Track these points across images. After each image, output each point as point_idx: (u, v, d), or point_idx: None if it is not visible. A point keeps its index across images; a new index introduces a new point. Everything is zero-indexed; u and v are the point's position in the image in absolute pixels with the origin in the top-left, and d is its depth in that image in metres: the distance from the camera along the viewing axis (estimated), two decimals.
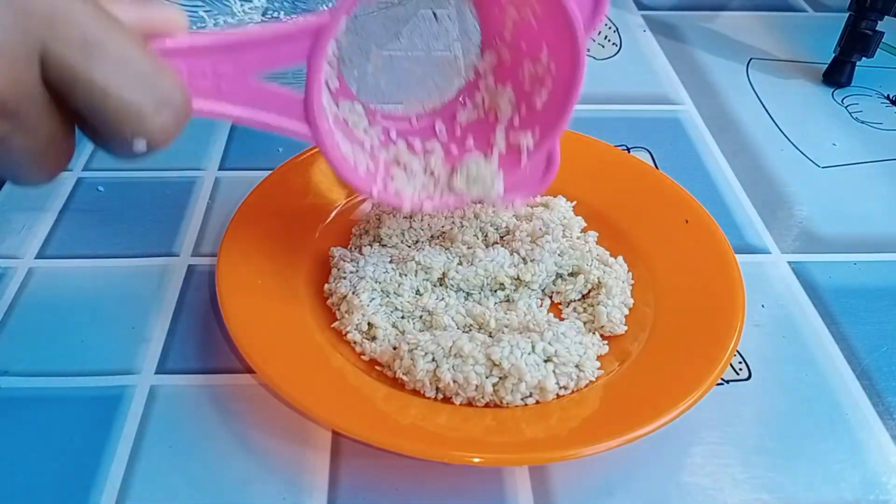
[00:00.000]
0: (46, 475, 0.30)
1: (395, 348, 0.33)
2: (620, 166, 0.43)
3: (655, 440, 0.30)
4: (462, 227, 0.39)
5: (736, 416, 0.33)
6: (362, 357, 0.33)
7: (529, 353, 0.31)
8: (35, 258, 0.39)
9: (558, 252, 0.37)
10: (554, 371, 0.31)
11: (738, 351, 0.35)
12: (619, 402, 0.31)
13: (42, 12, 0.22)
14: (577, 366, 0.32)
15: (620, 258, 0.38)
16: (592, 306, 0.36)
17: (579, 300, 0.37)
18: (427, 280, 0.36)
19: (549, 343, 0.32)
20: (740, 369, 0.35)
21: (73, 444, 0.31)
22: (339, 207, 0.41)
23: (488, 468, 0.31)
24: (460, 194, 0.34)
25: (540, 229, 0.38)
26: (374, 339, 0.34)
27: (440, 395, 0.31)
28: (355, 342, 0.34)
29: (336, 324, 0.35)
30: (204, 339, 0.35)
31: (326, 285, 0.36)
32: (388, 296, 0.35)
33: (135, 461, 0.30)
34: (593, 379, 0.32)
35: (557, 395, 0.31)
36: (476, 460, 0.28)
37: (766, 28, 0.64)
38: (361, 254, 0.37)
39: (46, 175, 0.25)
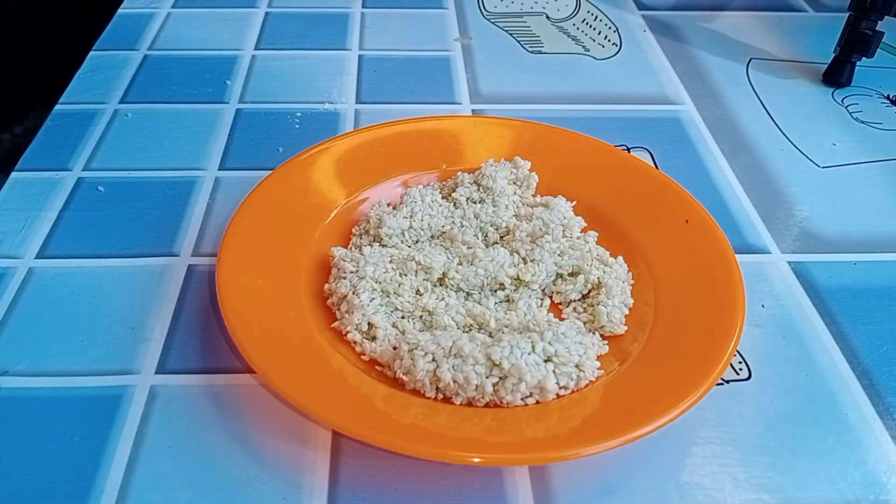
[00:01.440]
0: (46, 475, 0.30)
1: (395, 348, 0.33)
2: (620, 166, 0.43)
3: (655, 440, 0.30)
4: (462, 227, 0.39)
5: (736, 416, 0.33)
6: (362, 357, 0.33)
7: (529, 353, 0.31)
8: (35, 258, 0.39)
9: (558, 252, 0.37)
10: (554, 371, 0.31)
11: (738, 351, 0.35)
12: (619, 402, 0.31)
13: None
14: (577, 366, 0.32)
15: (620, 258, 0.38)
16: (592, 306, 0.36)
17: (579, 300, 0.37)
18: (427, 280, 0.36)
19: (549, 343, 0.32)
20: (740, 369, 0.35)
21: (73, 444, 0.31)
22: (339, 207, 0.41)
23: (488, 468, 0.31)
24: None
25: (540, 229, 0.38)
26: (374, 339, 0.34)
27: (440, 395, 0.31)
28: (355, 342, 0.34)
29: (336, 324, 0.35)
30: (204, 339, 0.35)
31: (326, 285, 0.36)
32: (388, 296, 0.35)
33: (135, 461, 0.30)
34: (593, 379, 0.32)
35: (557, 395, 0.31)
36: (476, 460, 0.28)
37: (766, 28, 0.64)
38: (361, 254, 0.37)
39: None
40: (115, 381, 0.33)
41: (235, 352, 0.34)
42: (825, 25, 0.63)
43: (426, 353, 0.31)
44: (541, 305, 0.37)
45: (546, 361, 0.31)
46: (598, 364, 0.33)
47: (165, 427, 0.32)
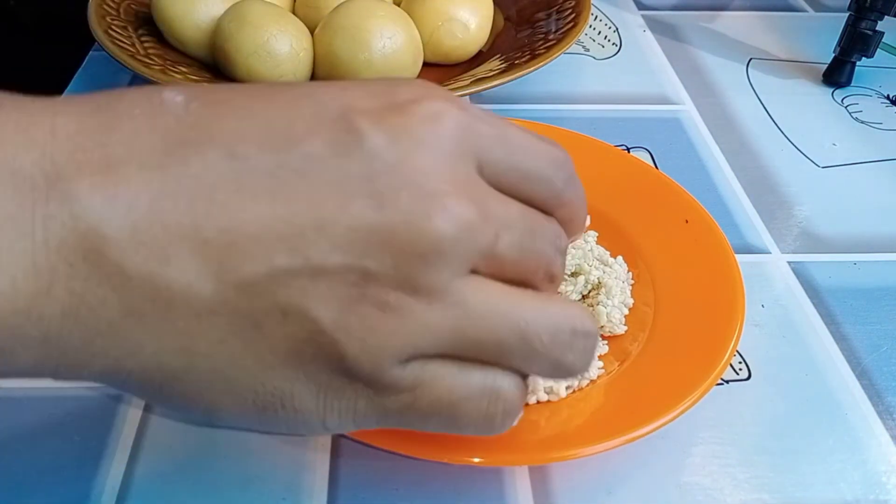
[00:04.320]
0: (46, 475, 0.30)
1: None
2: (620, 166, 0.43)
3: (655, 440, 0.30)
4: None
5: (736, 416, 0.33)
6: None
7: None
8: None
9: None
10: None
11: (738, 351, 0.35)
12: (619, 401, 0.31)
13: None
14: None
15: (620, 258, 0.38)
16: (592, 306, 0.36)
17: (579, 300, 0.37)
18: None
19: None
20: (740, 369, 0.35)
21: (73, 444, 0.31)
22: None
23: (488, 468, 0.31)
24: None
25: None
26: None
27: None
28: None
29: None
30: None
31: None
32: None
33: (135, 461, 0.30)
34: (594, 378, 0.32)
35: None
36: (476, 460, 0.28)
37: (766, 28, 0.64)
38: None
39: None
40: None
41: None
42: (825, 25, 0.63)
43: None
44: None
45: None
46: (600, 364, 0.33)
47: (165, 427, 0.31)
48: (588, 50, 0.60)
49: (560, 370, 0.23)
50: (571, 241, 0.26)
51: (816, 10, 0.67)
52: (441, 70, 0.53)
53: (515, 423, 0.23)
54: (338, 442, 0.31)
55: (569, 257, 0.37)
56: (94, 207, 0.18)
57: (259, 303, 0.19)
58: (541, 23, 0.55)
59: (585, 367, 0.23)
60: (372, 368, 0.20)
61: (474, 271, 0.21)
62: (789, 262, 0.41)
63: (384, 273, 0.19)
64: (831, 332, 0.37)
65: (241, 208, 0.19)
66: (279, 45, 0.45)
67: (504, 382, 0.22)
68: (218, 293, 0.19)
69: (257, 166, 0.19)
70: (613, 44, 0.61)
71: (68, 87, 0.53)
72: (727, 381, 0.34)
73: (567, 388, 0.31)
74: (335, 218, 0.19)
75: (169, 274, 0.18)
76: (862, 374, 0.35)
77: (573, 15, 0.54)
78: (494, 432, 0.23)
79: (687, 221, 0.39)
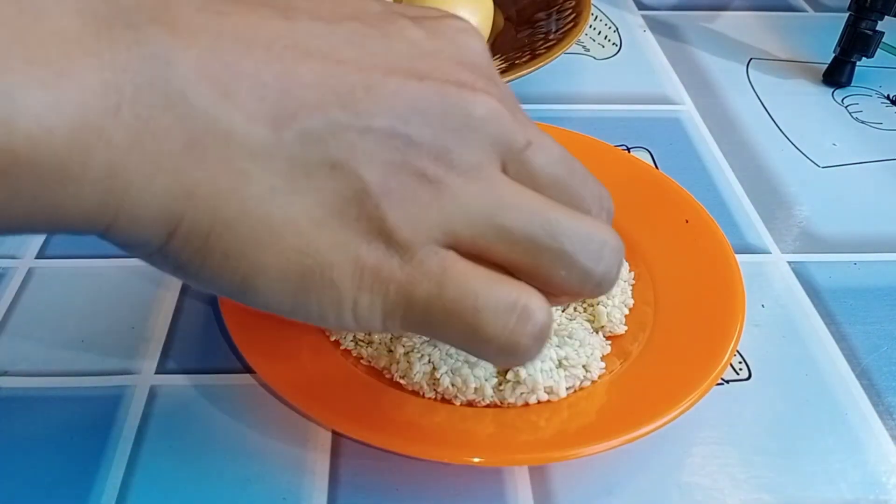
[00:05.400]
0: (46, 475, 0.30)
1: (390, 351, 0.33)
2: (620, 166, 0.43)
3: (655, 440, 0.30)
4: None
5: (736, 416, 0.33)
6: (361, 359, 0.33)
7: (543, 361, 0.31)
8: (35, 258, 0.39)
9: None
10: (564, 374, 0.31)
11: (738, 351, 0.35)
12: (619, 401, 0.31)
13: None
14: (584, 367, 0.32)
15: None
16: (593, 306, 0.36)
17: (580, 300, 0.37)
18: None
19: (559, 347, 0.32)
20: (740, 369, 0.35)
21: (73, 444, 0.31)
22: None
23: (488, 468, 0.31)
24: None
25: None
26: (370, 343, 0.33)
27: (440, 396, 0.31)
28: (350, 349, 0.33)
29: (334, 337, 0.34)
30: (204, 339, 0.35)
31: None
32: None
33: (135, 461, 0.30)
34: (595, 378, 0.32)
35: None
36: (476, 460, 0.28)
37: (766, 28, 0.64)
38: None
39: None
40: (115, 381, 0.33)
41: (235, 352, 0.34)
42: (825, 25, 0.63)
43: (422, 356, 0.31)
44: None
45: (557, 367, 0.31)
46: (602, 364, 0.33)
47: (165, 427, 0.31)
48: (588, 50, 0.60)
49: (590, 281, 0.23)
50: None
51: (816, 10, 0.67)
52: None
53: (539, 353, 0.22)
54: (338, 442, 0.31)
55: None
56: (158, 37, 0.18)
57: (311, 151, 0.20)
58: (541, 23, 0.55)
59: (613, 282, 0.23)
60: (409, 236, 0.21)
61: (506, 172, 0.22)
62: (789, 262, 0.41)
63: (423, 142, 0.21)
64: (831, 332, 0.37)
65: (296, 60, 0.20)
66: None
67: (533, 302, 0.22)
68: (274, 135, 0.19)
69: (311, 30, 0.20)
70: (613, 44, 0.61)
71: None
72: (727, 381, 0.34)
73: (567, 388, 0.31)
74: (382, 82, 0.20)
75: (229, 109, 0.19)
76: (862, 374, 0.35)
77: (573, 15, 0.54)
78: (518, 360, 0.22)
79: (687, 221, 0.39)
